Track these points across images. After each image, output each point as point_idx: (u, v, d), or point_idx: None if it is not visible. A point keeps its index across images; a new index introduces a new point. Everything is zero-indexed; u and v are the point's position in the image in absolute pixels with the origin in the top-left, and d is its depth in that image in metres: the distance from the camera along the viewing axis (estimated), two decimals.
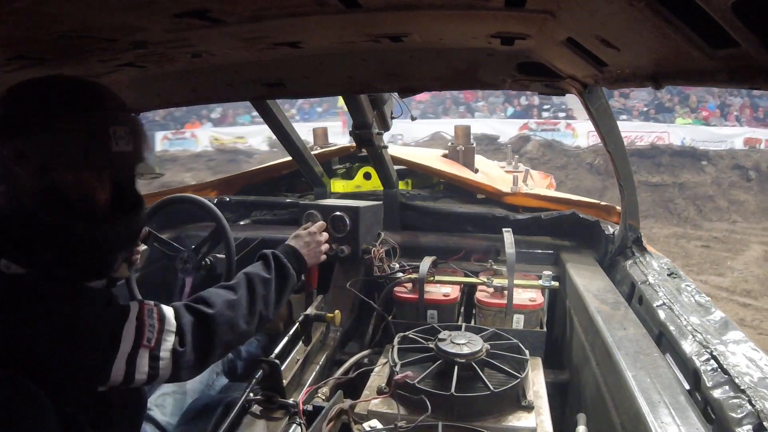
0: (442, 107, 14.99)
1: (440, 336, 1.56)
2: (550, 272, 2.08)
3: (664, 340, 1.52)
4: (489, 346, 1.54)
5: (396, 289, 2.08)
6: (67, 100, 0.99)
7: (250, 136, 15.02)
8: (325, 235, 1.73)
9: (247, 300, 1.29)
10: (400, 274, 2.14)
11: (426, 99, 14.77)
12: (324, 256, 1.71)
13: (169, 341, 1.12)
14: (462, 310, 2.18)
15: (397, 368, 1.45)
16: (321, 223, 1.74)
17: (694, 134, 12.83)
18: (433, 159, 3.10)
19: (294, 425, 1.27)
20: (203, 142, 15.12)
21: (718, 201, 10.59)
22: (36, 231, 0.97)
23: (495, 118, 14.74)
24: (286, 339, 1.61)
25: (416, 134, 12.43)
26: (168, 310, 1.17)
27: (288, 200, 2.92)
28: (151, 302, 1.16)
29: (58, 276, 1.00)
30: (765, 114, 14.33)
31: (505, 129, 13.32)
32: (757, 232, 9.43)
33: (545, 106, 14.75)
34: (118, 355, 1.04)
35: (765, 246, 8.40)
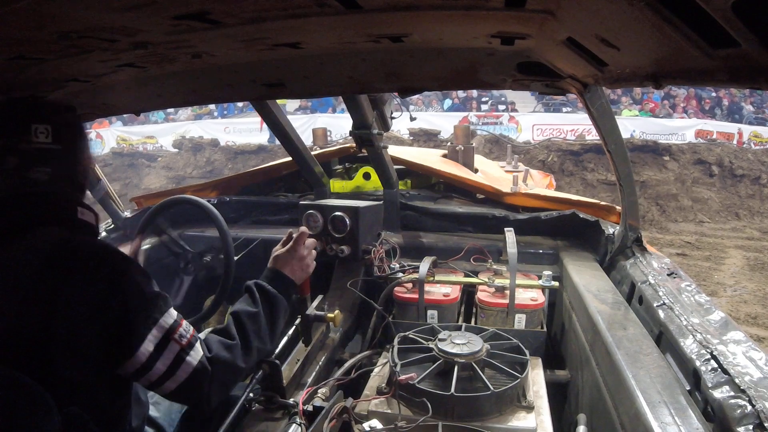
0: None
1: (440, 336, 1.56)
2: (550, 272, 2.08)
3: (664, 340, 1.52)
4: (489, 346, 1.54)
5: (396, 289, 2.08)
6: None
7: (161, 135, 13.71)
8: (311, 241, 1.56)
9: (241, 340, 1.29)
10: (400, 274, 2.14)
11: None
12: (312, 267, 1.56)
13: (194, 354, 1.15)
14: (462, 310, 2.18)
15: (398, 368, 1.45)
16: (302, 232, 1.55)
17: (644, 127, 12.40)
18: (433, 159, 3.11)
19: (294, 425, 1.27)
20: (110, 143, 13.93)
21: (682, 200, 9.93)
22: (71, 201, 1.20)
23: (432, 111, 13.80)
24: (286, 339, 1.61)
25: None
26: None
27: (288, 200, 2.92)
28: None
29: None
30: (711, 106, 14.08)
31: (444, 123, 11.97)
32: (728, 233, 8.96)
33: (483, 99, 14.04)
34: (153, 330, 1.09)
35: (743, 250, 7.88)
